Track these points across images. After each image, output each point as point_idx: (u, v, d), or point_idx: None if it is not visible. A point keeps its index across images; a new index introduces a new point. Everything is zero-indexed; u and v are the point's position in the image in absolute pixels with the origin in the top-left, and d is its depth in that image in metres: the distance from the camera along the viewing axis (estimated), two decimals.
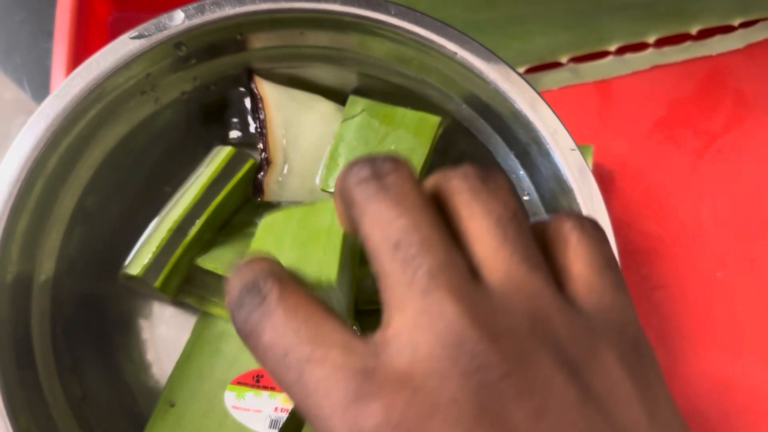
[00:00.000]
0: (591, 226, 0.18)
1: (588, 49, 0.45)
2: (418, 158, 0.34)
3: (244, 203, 0.36)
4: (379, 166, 0.17)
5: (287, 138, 0.35)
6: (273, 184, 0.34)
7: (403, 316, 0.16)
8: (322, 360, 0.15)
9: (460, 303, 0.15)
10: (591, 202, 0.30)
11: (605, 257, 0.18)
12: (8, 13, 0.49)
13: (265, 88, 0.35)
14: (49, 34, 0.46)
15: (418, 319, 0.15)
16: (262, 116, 0.34)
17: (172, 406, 0.32)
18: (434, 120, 0.35)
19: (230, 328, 0.33)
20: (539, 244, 0.18)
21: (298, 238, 0.25)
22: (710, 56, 0.46)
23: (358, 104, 0.35)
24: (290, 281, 0.17)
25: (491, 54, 0.31)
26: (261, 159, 0.34)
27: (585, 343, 0.16)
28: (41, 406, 0.30)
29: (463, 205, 0.17)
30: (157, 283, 0.32)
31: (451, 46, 0.31)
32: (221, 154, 0.34)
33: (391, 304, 0.16)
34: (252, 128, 0.36)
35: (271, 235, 0.26)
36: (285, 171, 0.35)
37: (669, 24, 0.45)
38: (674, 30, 0.45)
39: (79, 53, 0.41)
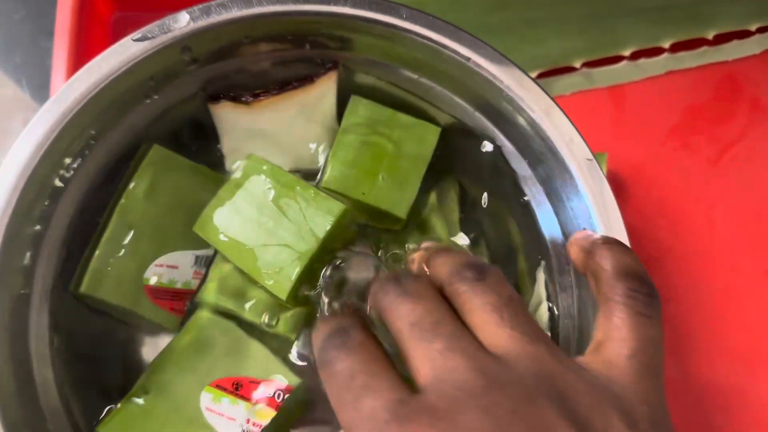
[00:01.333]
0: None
1: (602, 54, 0.44)
2: (421, 165, 0.34)
3: None
4: (403, 282, 0.22)
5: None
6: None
7: (425, 369, 0.20)
8: (376, 389, 0.20)
9: (470, 360, 0.19)
10: (606, 212, 0.29)
11: (644, 339, 0.21)
12: (8, 11, 0.48)
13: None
14: (49, 34, 0.45)
15: (438, 373, 0.19)
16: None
17: (146, 393, 0.32)
18: (435, 130, 0.34)
19: (223, 331, 0.32)
20: None
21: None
22: (726, 62, 0.45)
23: (360, 105, 0.34)
24: (370, 334, 0.22)
25: (505, 59, 0.30)
26: None
27: (591, 401, 0.19)
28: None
29: (465, 302, 0.21)
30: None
31: (464, 51, 0.30)
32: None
33: (416, 363, 0.20)
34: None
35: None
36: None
37: (685, 28, 0.44)
38: (690, 34, 0.44)
39: (80, 53, 0.40)
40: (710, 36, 0.44)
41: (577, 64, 0.43)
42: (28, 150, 0.29)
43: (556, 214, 0.32)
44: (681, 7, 0.44)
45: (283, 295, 0.31)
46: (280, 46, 0.33)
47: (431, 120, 0.35)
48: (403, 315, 0.21)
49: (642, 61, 0.44)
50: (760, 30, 0.45)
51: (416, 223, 0.36)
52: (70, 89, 0.30)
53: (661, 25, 0.44)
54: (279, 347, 0.33)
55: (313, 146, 0.36)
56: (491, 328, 0.20)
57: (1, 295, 0.28)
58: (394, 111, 0.35)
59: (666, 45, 0.44)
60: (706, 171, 0.44)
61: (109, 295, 0.32)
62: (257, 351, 0.32)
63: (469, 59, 0.30)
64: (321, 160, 0.36)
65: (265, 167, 0.33)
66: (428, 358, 0.20)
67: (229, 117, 0.34)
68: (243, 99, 0.34)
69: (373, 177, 0.34)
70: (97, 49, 0.43)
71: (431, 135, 0.34)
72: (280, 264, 0.32)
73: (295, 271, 0.31)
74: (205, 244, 0.34)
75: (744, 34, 0.45)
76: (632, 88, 0.44)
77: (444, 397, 0.19)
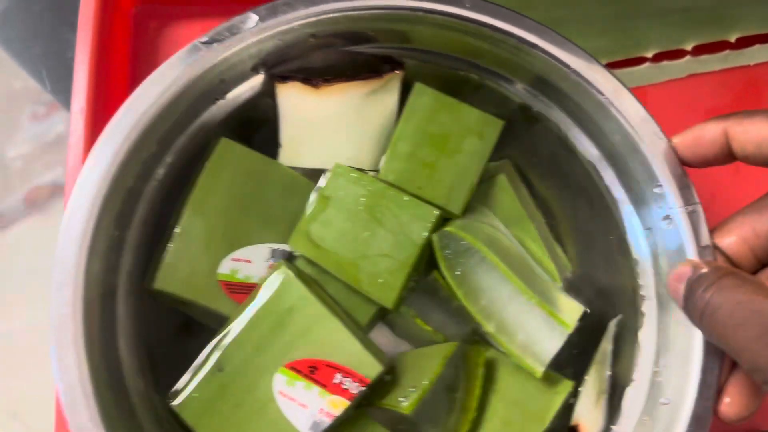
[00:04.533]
0: None
1: (624, 55, 0.43)
2: (480, 160, 0.33)
3: None
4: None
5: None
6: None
7: None
8: None
9: None
10: (680, 192, 0.29)
11: None
12: (28, 2, 0.48)
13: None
14: (71, 25, 0.45)
15: None
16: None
17: (221, 370, 0.31)
18: (498, 123, 0.34)
19: (301, 305, 0.31)
20: None
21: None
22: (748, 66, 0.45)
23: (424, 94, 0.34)
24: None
25: (572, 44, 0.30)
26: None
27: None
28: None
29: None
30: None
31: (530, 37, 0.30)
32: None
33: None
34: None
35: None
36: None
37: (708, 31, 0.44)
38: (713, 37, 0.44)
39: (102, 45, 0.40)
40: (733, 39, 0.44)
41: None
42: (107, 156, 0.29)
43: (628, 193, 0.32)
44: (704, 10, 0.44)
45: (390, 305, 0.31)
46: (345, 42, 0.33)
47: (495, 109, 0.34)
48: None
49: (664, 63, 0.44)
50: None
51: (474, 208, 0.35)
52: (143, 95, 0.29)
53: (683, 27, 0.43)
54: (357, 330, 0.32)
55: (369, 144, 0.35)
56: None
57: (90, 294, 0.28)
58: (457, 101, 0.34)
59: (688, 47, 0.44)
60: (729, 177, 0.43)
61: (182, 290, 0.32)
62: (338, 332, 0.30)
63: (535, 45, 0.30)
64: (375, 159, 0.35)
65: (353, 175, 0.33)
66: None
67: (294, 100, 0.34)
68: (313, 82, 0.33)
69: (430, 171, 0.33)
70: (119, 41, 0.43)
71: (493, 129, 0.34)
72: (382, 274, 0.31)
73: (399, 281, 0.31)
74: (281, 237, 0.33)
75: (767, 38, 0.44)
76: (653, 90, 0.44)
77: None
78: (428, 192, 0.33)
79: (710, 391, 0.27)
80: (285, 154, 0.35)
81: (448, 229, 0.33)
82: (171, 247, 0.32)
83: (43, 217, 0.47)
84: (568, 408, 0.33)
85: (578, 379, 0.34)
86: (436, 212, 0.32)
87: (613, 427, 0.30)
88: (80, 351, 0.27)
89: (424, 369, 0.32)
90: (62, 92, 0.47)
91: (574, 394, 0.33)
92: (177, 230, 0.32)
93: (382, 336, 0.37)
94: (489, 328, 0.33)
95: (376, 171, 0.34)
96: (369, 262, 0.32)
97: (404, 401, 0.30)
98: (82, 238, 0.28)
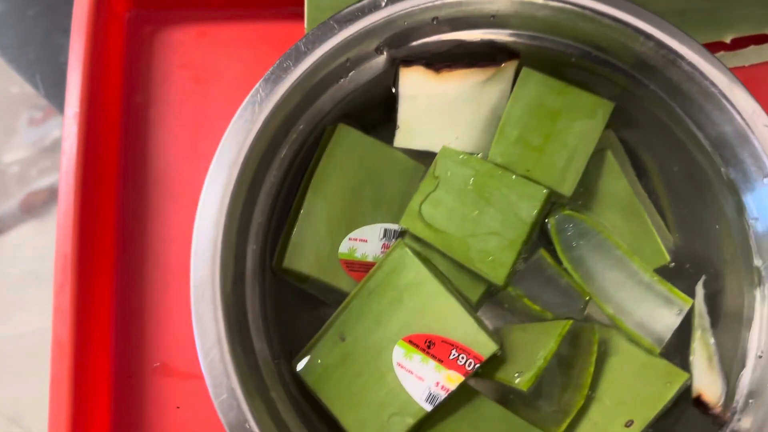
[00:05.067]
0: None
1: None
2: (589, 143, 0.34)
3: None
4: None
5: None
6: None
7: None
8: None
9: None
10: None
11: None
12: (22, 7, 0.48)
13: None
14: (64, 30, 0.45)
15: None
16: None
17: (343, 340, 0.32)
18: (608, 105, 0.34)
19: (419, 280, 0.32)
20: None
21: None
22: (743, 67, 0.44)
23: (531, 78, 0.35)
24: None
25: (685, 35, 0.32)
26: None
27: None
28: None
29: None
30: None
31: (645, 27, 0.32)
32: None
33: None
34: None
35: None
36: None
37: (703, 32, 0.43)
38: (707, 38, 0.44)
39: (95, 51, 0.40)
40: (728, 40, 0.44)
41: None
42: (244, 127, 0.31)
43: (738, 180, 0.33)
44: (699, 11, 0.43)
45: (500, 281, 0.32)
46: (460, 27, 0.34)
47: (603, 92, 0.35)
48: None
49: None
50: None
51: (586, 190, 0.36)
52: (280, 68, 0.31)
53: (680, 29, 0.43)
54: (470, 308, 0.33)
55: (482, 129, 0.36)
56: None
57: (225, 277, 0.30)
58: (565, 84, 0.34)
59: None
60: None
61: (309, 268, 0.34)
62: (453, 309, 0.32)
63: (651, 36, 0.32)
64: (487, 144, 0.36)
65: (461, 157, 0.33)
66: None
67: (415, 83, 0.35)
68: (435, 67, 0.35)
69: (539, 153, 0.34)
70: (113, 46, 0.43)
71: (603, 110, 0.34)
72: (492, 251, 0.32)
73: (510, 258, 0.32)
74: (392, 218, 0.35)
75: (761, 39, 0.44)
76: None
77: None
78: (537, 174, 0.34)
79: None
80: (401, 136, 0.36)
81: (566, 212, 0.34)
82: (297, 228, 0.34)
83: (39, 222, 0.47)
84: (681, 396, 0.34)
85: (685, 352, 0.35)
86: (545, 191, 0.32)
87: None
88: (218, 313, 0.30)
89: (540, 345, 0.32)
90: (57, 97, 0.47)
91: (688, 372, 0.34)
92: (302, 212, 0.34)
93: (489, 310, 0.37)
94: (608, 310, 0.34)
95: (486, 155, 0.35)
96: (478, 240, 0.32)
97: (520, 377, 0.31)
98: (219, 208, 0.30)
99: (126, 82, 0.43)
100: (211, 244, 0.30)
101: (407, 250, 0.33)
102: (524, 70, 0.35)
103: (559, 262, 0.35)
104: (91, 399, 0.38)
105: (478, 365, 0.31)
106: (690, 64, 0.32)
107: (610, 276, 0.34)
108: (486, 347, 0.31)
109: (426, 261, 0.33)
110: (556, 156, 0.34)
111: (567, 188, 0.34)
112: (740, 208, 0.33)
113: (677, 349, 0.35)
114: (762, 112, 0.31)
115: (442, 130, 0.36)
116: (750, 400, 0.32)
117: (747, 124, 0.31)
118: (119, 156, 0.42)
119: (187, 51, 0.43)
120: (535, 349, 0.32)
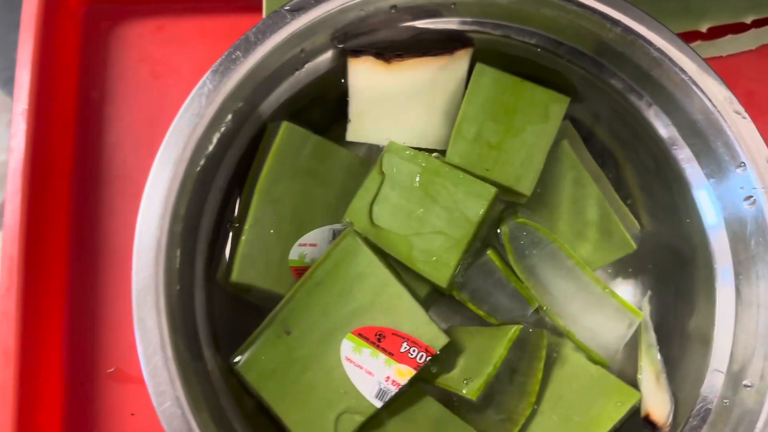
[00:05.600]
0: None
1: None
2: (547, 139, 0.33)
3: None
4: None
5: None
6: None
7: None
8: None
9: None
10: (759, 167, 0.29)
11: None
12: None
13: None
14: (18, 26, 0.44)
15: None
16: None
17: (288, 334, 0.30)
18: (564, 100, 0.33)
19: (369, 271, 0.31)
20: None
21: None
22: (721, 57, 0.43)
23: (485, 74, 0.33)
24: None
25: (653, 20, 0.30)
26: None
27: None
28: None
29: None
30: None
31: (611, 12, 0.30)
32: None
33: None
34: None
35: None
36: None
37: (678, 21, 0.42)
38: (683, 27, 0.42)
39: (46, 47, 0.39)
40: (704, 29, 0.42)
41: None
42: (188, 121, 0.29)
43: (706, 173, 0.32)
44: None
45: (443, 283, 0.31)
46: (420, 16, 0.33)
47: (564, 86, 0.34)
48: None
49: None
50: (756, 23, 0.43)
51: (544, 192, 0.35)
52: (229, 60, 0.30)
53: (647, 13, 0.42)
54: (421, 301, 0.32)
55: (437, 120, 0.34)
56: None
57: (169, 279, 0.29)
58: (520, 80, 0.33)
59: None
60: None
61: (260, 280, 0.32)
62: (405, 301, 0.30)
63: (618, 22, 0.30)
64: (443, 136, 0.34)
65: (408, 152, 0.32)
66: None
67: (365, 74, 0.34)
68: (385, 56, 0.33)
69: (497, 151, 0.33)
70: (67, 42, 0.41)
71: (559, 105, 0.33)
72: (436, 251, 0.31)
73: (453, 259, 0.31)
74: (340, 218, 0.33)
75: (739, 28, 0.43)
76: None
77: None
78: (496, 173, 0.32)
79: None
80: (353, 129, 0.35)
81: (520, 220, 0.33)
82: (245, 238, 0.32)
83: None
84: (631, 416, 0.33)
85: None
86: (494, 190, 0.31)
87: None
88: (162, 318, 0.28)
89: (488, 352, 0.31)
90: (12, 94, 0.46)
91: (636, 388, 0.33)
92: (249, 221, 0.32)
93: (435, 312, 0.36)
94: (559, 321, 0.33)
95: (444, 150, 0.34)
96: (423, 239, 0.31)
97: (468, 385, 0.30)
98: (164, 206, 0.29)
99: (81, 78, 0.42)
100: (154, 245, 0.29)
101: (357, 238, 0.31)
102: (478, 66, 0.34)
103: (508, 265, 0.34)
104: (40, 408, 0.36)
105: (429, 358, 0.30)
106: (659, 50, 0.31)
107: (562, 286, 0.33)
108: (438, 340, 0.30)
109: (376, 250, 0.32)
110: (515, 154, 0.33)
111: (526, 187, 0.33)
112: (712, 200, 0.32)
113: (629, 365, 0.34)
114: (734, 99, 0.30)
115: (396, 123, 0.34)
116: (704, 419, 0.31)
117: (719, 112, 0.30)
118: (73, 153, 0.40)
119: (145, 45, 0.42)
120: (483, 355, 0.31)
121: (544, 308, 0.33)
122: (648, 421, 0.32)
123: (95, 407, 0.37)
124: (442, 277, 0.31)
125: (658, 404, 0.32)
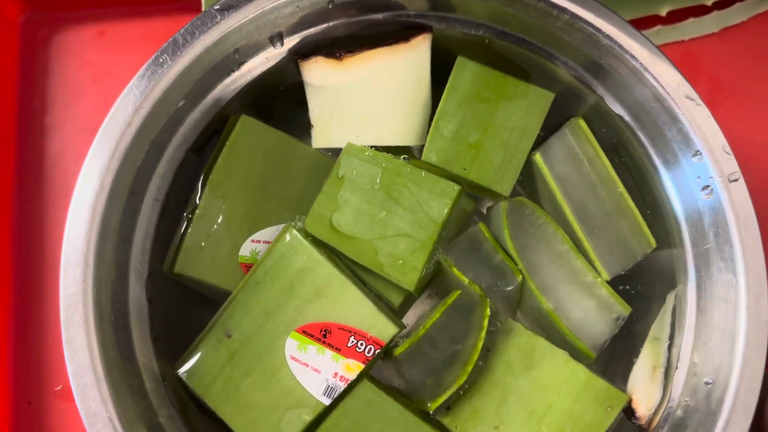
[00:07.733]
0: None
1: None
2: (529, 138, 0.32)
3: None
4: None
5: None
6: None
7: None
8: None
9: None
10: (715, 155, 0.28)
11: None
12: None
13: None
14: None
15: None
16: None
17: (229, 337, 0.30)
18: (548, 96, 0.32)
19: (311, 265, 0.30)
20: None
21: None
22: (683, 41, 0.42)
23: (467, 69, 0.32)
24: None
25: (603, 7, 0.29)
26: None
27: None
28: None
29: None
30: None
31: (559, 0, 0.29)
32: None
33: None
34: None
35: None
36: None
37: (637, 6, 0.41)
38: (642, 12, 0.41)
39: None
40: (663, 13, 0.41)
41: None
42: (117, 127, 0.28)
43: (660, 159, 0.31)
44: None
45: (411, 287, 0.30)
46: (364, 10, 0.32)
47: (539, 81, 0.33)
48: None
49: None
50: (718, 6, 0.41)
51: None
52: (156, 63, 0.29)
53: (611, 3, 0.40)
54: (369, 293, 0.31)
55: (405, 117, 0.33)
56: None
57: (99, 295, 0.28)
58: (502, 74, 0.32)
59: None
60: None
61: (203, 273, 0.31)
62: (350, 294, 0.30)
63: (565, 9, 0.29)
64: (415, 134, 0.33)
65: (367, 153, 0.31)
66: None
67: (319, 75, 0.32)
68: (336, 54, 0.32)
69: (475, 150, 0.32)
70: (6, 52, 0.40)
71: (542, 103, 0.32)
72: (401, 255, 0.30)
73: (421, 261, 0.30)
74: (297, 216, 0.33)
75: (700, 11, 0.42)
76: None
77: None
78: (474, 173, 0.32)
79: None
80: (318, 135, 0.33)
81: (521, 198, 0.32)
82: (191, 230, 0.31)
83: None
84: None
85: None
86: (457, 187, 0.30)
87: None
88: (91, 336, 0.27)
89: (427, 318, 0.31)
90: None
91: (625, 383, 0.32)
92: (197, 212, 0.31)
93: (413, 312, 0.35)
94: (547, 304, 0.31)
95: (420, 147, 0.33)
96: (387, 243, 0.30)
97: (397, 345, 0.30)
98: (90, 220, 0.28)
99: (21, 87, 0.40)
100: (81, 261, 0.27)
101: (296, 233, 0.30)
102: (459, 60, 0.32)
103: (497, 239, 0.33)
104: None
105: (378, 351, 0.29)
106: (608, 37, 0.30)
107: (554, 270, 0.32)
108: (386, 330, 0.29)
109: (317, 244, 0.31)
110: (494, 153, 0.32)
111: (505, 188, 0.32)
112: (676, 190, 0.31)
113: (617, 361, 0.33)
114: (687, 85, 0.29)
115: (362, 123, 0.33)
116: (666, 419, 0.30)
117: (672, 99, 0.29)
118: (15, 163, 0.39)
119: (86, 51, 0.41)
120: (422, 322, 0.30)
121: (534, 291, 0.32)
122: (628, 408, 0.31)
123: (44, 426, 0.36)
124: (409, 281, 0.30)
125: (644, 394, 0.31)
